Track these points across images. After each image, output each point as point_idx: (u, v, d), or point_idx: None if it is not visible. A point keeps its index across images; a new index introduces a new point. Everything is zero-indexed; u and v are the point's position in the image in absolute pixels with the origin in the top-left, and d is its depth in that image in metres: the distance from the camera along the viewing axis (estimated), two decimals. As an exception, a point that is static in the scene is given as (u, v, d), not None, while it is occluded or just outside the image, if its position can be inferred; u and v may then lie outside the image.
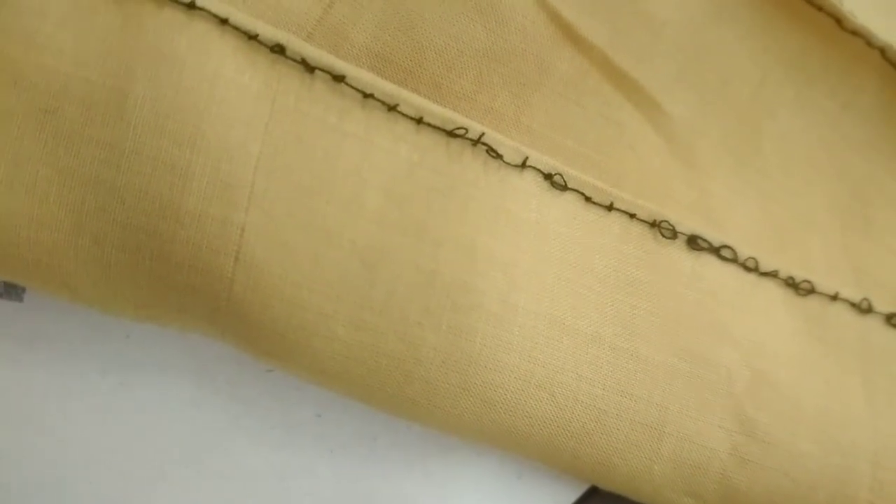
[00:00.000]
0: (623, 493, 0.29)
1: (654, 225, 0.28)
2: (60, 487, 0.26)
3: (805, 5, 0.31)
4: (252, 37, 0.24)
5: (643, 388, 0.27)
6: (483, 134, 0.26)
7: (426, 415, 0.26)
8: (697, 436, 0.28)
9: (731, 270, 0.29)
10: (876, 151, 0.33)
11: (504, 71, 0.28)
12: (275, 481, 0.28)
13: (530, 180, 0.27)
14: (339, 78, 0.24)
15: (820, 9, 0.31)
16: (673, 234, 0.29)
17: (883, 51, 0.31)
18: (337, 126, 0.24)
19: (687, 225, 0.29)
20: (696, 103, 0.31)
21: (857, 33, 0.31)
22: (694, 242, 0.29)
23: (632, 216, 0.28)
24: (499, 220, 0.26)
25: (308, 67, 0.24)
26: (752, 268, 0.29)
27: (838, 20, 0.31)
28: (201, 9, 0.23)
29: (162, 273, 0.23)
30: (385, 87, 0.25)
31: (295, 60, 0.24)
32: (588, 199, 0.28)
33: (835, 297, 0.31)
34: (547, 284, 0.26)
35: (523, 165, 0.27)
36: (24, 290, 0.26)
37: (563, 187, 0.27)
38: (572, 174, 0.27)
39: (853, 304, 0.31)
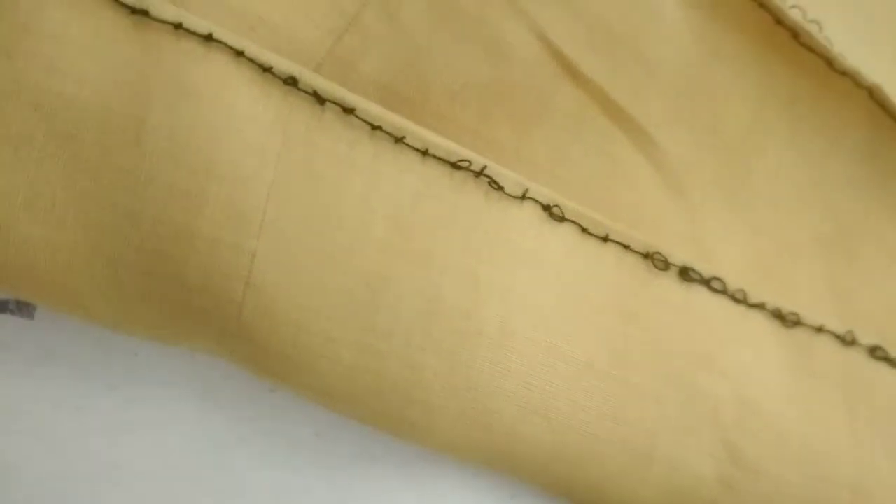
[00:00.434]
0: (613, 516, 0.30)
1: (647, 256, 0.29)
2: (66, 501, 0.27)
3: (796, 46, 0.31)
4: (266, 69, 0.24)
5: (634, 414, 0.28)
6: (485, 166, 0.27)
7: (425, 437, 0.27)
8: (686, 463, 0.28)
9: (721, 302, 0.30)
10: (862, 189, 0.34)
11: (507, 105, 0.29)
12: (273, 498, 0.29)
13: (530, 211, 0.28)
14: (349, 110, 0.25)
15: (811, 50, 0.31)
16: (665, 266, 0.29)
17: (871, 91, 0.32)
18: (346, 156, 0.25)
19: (679, 257, 0.30)
20: (689, 139, 0.31)
21: (846, 74, 0.32)
22: (686, 274, 0.30)
23: (626, 247, 0.29)
24: (499, 249, 0.27)
25: (319, 99, 0.25)
26: (740, 299, 0.30)
27: (828, 61, 0.32)
28: (218, 41, 0.24)
29: (174, 295, 0.24)
30: (392, 119, 0.26)
31: (307, 92, 0.25)
32: (584, 230, 0.28)
33: (820, 329, 0.31)
34: (544, 312, 0.27)
35: (523, 197, 0.27)
36: (34, 307, 0.27)
37: (561, 218, 0.28)
38: (570, 206, 0.28)
39: (838, 336, 0.32)
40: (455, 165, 0.26)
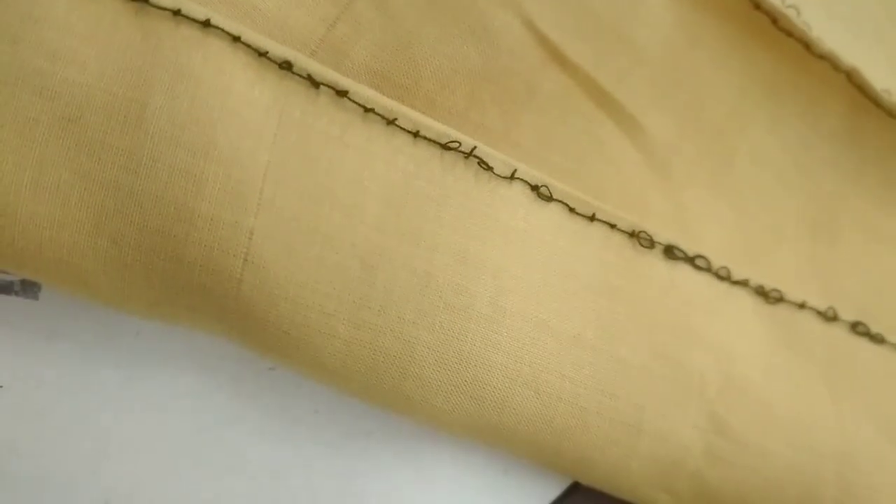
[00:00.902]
0: (603, 488, 0.30)
1: (633, 235, 0.30)
2: (70, 477, 0.28)
3: (776, 31, 0.32)
4: (262, 53, 0.25)
5: (622, 387, 0.29)
6: (475, 147, 0.27)
7: (419, 410, 0.27)
8: (672, 434, 0.29)
9: (705, 279, 0.31)
10: (842, 169, 0.35)
11: (494, 89, 0.29)
12: (272, 474, 0.29)
13: (518, 191, 0.28)
14: (342, 93, 0.26)
15: (790, 34, 0.32)
16: (651, 244, 0.30)
17: (849, 74, 0.33)
18: (340, 138, 0.26)
19: (664, 235, 0.30)
20: (673, 122, 0.32)
21: (824, 57, 0.33)
22: (670, 252, 0.30)
23: (612, 226, 0.30)
24: (489, 227, 0.28)
25: (314, 83, 0.26)
26: (724, 276, 0.31)
27: (807, 45, 0.32)
28: (215, 27, 0.25)
29: (175, 273, 0.25)
30: (385, 102, 0.27)
31: (301, 76, 0.26)
32: (572, 209, 0.29)
33: (802, 306, 0.32)
34: (533, 289, 0.28)
35: (512, 177, 0.28)
36: (39, 288, 0.28)
37: (549, 198, 0.29)
38: (557, 186, 0.29)
39: (820, 313, 0.33)
40: (445, 146, 0.27)
